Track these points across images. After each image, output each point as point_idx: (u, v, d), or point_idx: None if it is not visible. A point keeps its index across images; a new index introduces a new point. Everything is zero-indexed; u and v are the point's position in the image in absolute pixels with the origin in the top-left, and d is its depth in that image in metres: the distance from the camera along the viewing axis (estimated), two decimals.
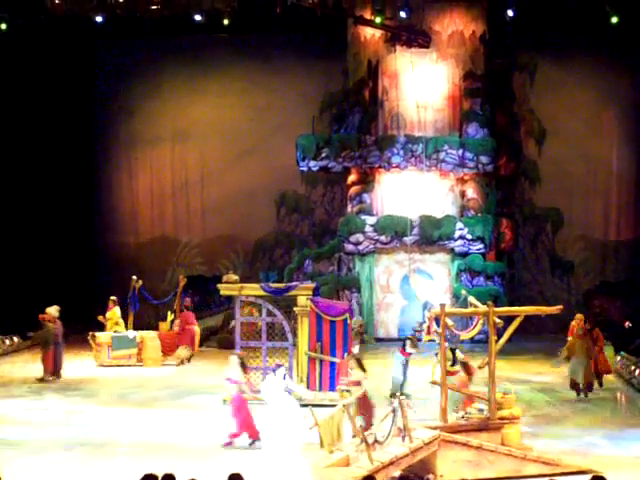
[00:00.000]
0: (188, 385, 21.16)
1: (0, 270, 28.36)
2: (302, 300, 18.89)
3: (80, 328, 26.01)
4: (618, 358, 22.33)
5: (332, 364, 18.44)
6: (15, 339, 26.69)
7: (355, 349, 18.92)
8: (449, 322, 14.65)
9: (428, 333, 18.44)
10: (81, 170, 32.14)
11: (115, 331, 24.53)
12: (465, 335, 17.15)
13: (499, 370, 16.00)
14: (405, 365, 17.67)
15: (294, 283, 20.62)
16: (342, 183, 30.40)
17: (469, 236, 27.77)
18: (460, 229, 27.79)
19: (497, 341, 14.59)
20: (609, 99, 30.87)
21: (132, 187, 33.46)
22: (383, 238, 28.07)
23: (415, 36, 28.41)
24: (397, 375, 17.57)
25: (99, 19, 27.75)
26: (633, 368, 21.05)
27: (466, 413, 14.22)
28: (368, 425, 14.18)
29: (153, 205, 33.40)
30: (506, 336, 14.65)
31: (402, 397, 12.81)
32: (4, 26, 26.88)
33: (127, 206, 33.46)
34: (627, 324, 25.33)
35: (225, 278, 19.74)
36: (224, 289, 19.52)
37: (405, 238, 27.89)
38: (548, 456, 13.56)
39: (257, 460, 13.54)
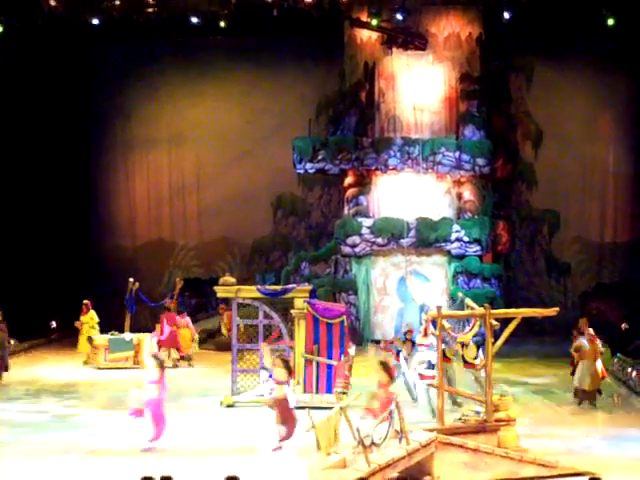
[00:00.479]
0: (185, 387, 21.14)
1: None
2: (299, 302, 18.90)
3: (77, 331, 25.99)
4: (615, 360, 22.34)
5: (329, 366, 18.47)
6: (12, 342, 26.66)
7: (351, 350, 18.94)
8: (446, 324, 14.68)
9: (425, 335, 18.56)
10: (77, 173, 32.09)
11: (90, 335, 24.56)
12: (462, 337, 17.22)
13: (496, 372, 16.05)
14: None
15: (291, 285, 20.62)
16: (339, 185, 30.41)
17: (466, 238, 27.77)
18: (457, 231, 27.79)
19: (494, 343, 14.62)
20: (605, 101, 30.91)
21: (129, 190, 33.43)
22: (380, 240, 28.07)
23: (411, 38, 28.41)
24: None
25: (96, 22, 27.78)
26: (630, 370, 21.07)
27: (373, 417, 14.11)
28: (289, 435, 14.05)
29: (150, 208, 33.37)
30: (503, 338, 14.68)
31: (399, 399, 12.80)
32: (0, 28, 26.87)
33: (124, 209, 33.44)
34: (624, 326, 25.33)
35: (222, 280, 19.75)
36: (221, 291, 19.53)
37: (402, 240, 27.89)
38: (545, 458, 13.56)
39: (254, 462, 13.53)
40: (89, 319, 25.06)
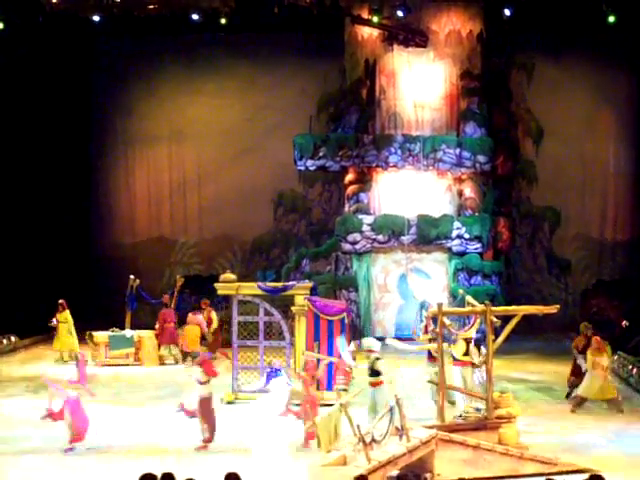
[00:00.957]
0: (186, 384, 21.11)
1: None
2: (299, 299, 18.91)
3: (77, 328, 25.97)
4: (615, 357, 22.31)
5: (329, 363, 18.45)
6: (13, 338, 26.71)
7: (351, 347, 18.92)
8: (446, 321, 14.68)
9: (426, 332, 18.55)
10: (77, 170, 32.07)
11: (65, 334, 24.53)
12: (463, 334, 17.21)
13: (497, 369, 16.04)
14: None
15: (291, 282, 20.62)
16: (339, 182, 30.38)
17: (466, 235, 27.75)
18: (457, 228, 27.78)
19: (495, 340, 14.62)
20: (606, 98, 30.88)
21: (129, 187, 33.39)
22: (380, 237, 28.06)
23: (412, 35, 28.39)
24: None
25: (96, 18, 27.74)
26: (630, 367, 21.07)
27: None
28: (211, 436, 14.07)
29: (150, 205, 33.34)
30: (504, 335, 14.68)
31: (399, 397, 12.81)
32: (1, 25, 26.85)
33: (124, 206, 33.40)
34: (624, 323, 25.30)
35: (222, 277, 19.75)
36: (221, 288, 19.52)
37: (402, 237, 27.87)
38: (545, 455, 13.57)
39: (254, 460, 13.53)
40: (64, 318, 24.95)
